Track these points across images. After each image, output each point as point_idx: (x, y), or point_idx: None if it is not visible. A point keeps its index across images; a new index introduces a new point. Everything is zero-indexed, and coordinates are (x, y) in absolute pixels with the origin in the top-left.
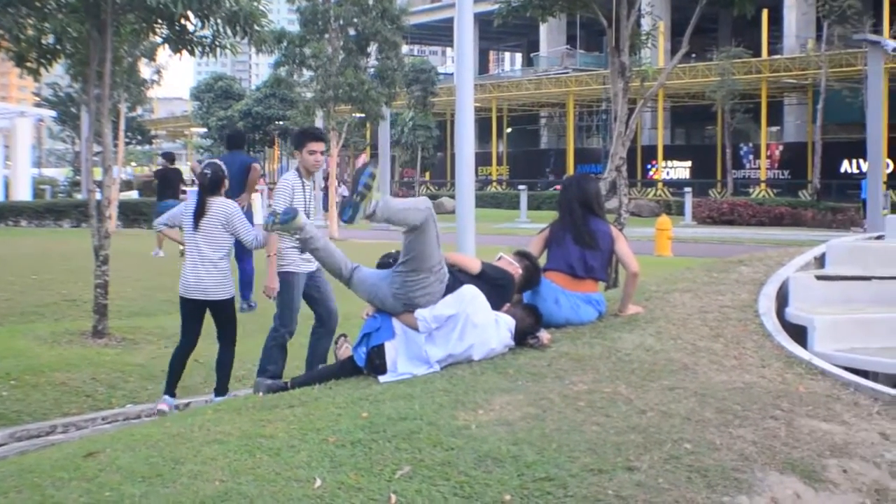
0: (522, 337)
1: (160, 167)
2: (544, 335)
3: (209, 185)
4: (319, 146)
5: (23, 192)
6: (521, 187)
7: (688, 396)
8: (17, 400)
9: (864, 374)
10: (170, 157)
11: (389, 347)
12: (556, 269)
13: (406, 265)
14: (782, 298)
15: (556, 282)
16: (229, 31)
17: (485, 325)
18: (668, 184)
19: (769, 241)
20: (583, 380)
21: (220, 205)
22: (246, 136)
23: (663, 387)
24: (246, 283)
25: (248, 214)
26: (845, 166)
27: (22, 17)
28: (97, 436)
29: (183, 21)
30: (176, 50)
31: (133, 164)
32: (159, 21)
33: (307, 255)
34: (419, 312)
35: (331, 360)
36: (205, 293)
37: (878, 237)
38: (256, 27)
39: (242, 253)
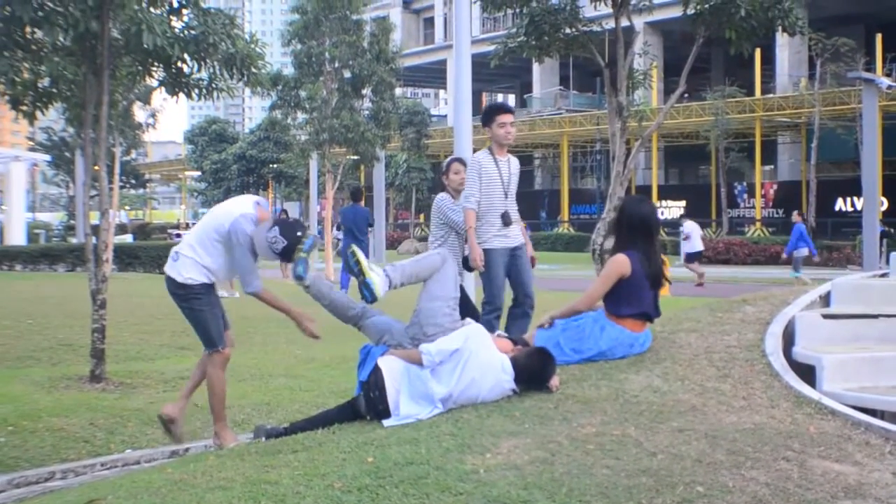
0: (530, 381)
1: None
2: (554, 381)
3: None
4: (509, 118)
5: (17, 237)
6: None
7: (698, 438)
8: (15, 446)
9: (874, 412)
10: None
11: (391, 388)
12: (632, 317)
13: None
14: (788, 337)
15: (630, 328)
16: (226, 74)
17: (489, 365)
18: (663, 224)
19: (766, 280)
20: (591, 422)
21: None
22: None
23: (673, 428)
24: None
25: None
26: (840, 204)
27: (17, 60)
28: (98, 482)
29: (179, 64)
30: (172, 93)
31: (127, 207)
32: (156, 64)
33: (505, 231)
34: (424, 346)
35: None
36: None
37: (882, 275)
38: (254, 69)
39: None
